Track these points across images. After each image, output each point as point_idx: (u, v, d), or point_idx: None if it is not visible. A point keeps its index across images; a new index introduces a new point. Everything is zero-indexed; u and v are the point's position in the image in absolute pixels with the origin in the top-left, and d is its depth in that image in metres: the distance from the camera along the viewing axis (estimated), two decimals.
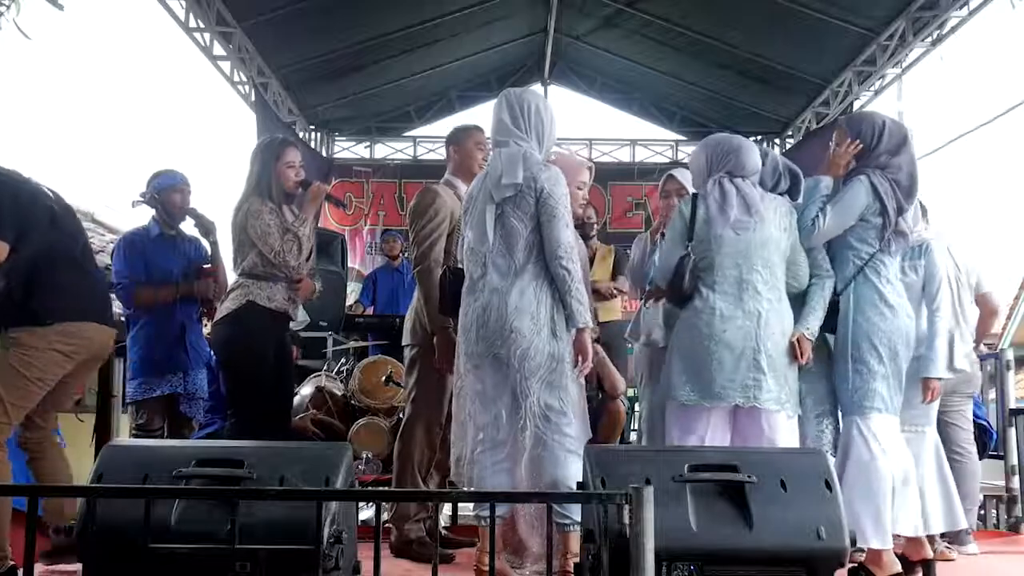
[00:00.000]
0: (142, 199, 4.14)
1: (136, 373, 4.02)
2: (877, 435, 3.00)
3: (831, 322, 3.12)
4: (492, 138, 3.11)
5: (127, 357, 4.12)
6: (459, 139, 3.83)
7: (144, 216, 4.22)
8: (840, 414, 3.15)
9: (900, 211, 3.09)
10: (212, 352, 4.07)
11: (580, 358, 2.90)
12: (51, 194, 3.23)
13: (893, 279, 3.12)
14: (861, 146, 3.15)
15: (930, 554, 3.17)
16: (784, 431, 2.93)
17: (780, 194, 3.17)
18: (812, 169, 3.32)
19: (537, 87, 10.52)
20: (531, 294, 2.89)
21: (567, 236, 2.90)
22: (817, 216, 3.09)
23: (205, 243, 4.20)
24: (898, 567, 3.01)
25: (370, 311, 7.22)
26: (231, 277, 3.85)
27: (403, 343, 3.77)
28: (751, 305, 2.94)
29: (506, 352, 2.87)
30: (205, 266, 4.21)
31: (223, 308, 3.64)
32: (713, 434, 2.93)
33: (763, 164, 3.16)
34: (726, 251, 2.96)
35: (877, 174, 3.11)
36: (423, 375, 3.62)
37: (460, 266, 3.17)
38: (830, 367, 3.14)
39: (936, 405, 3.54)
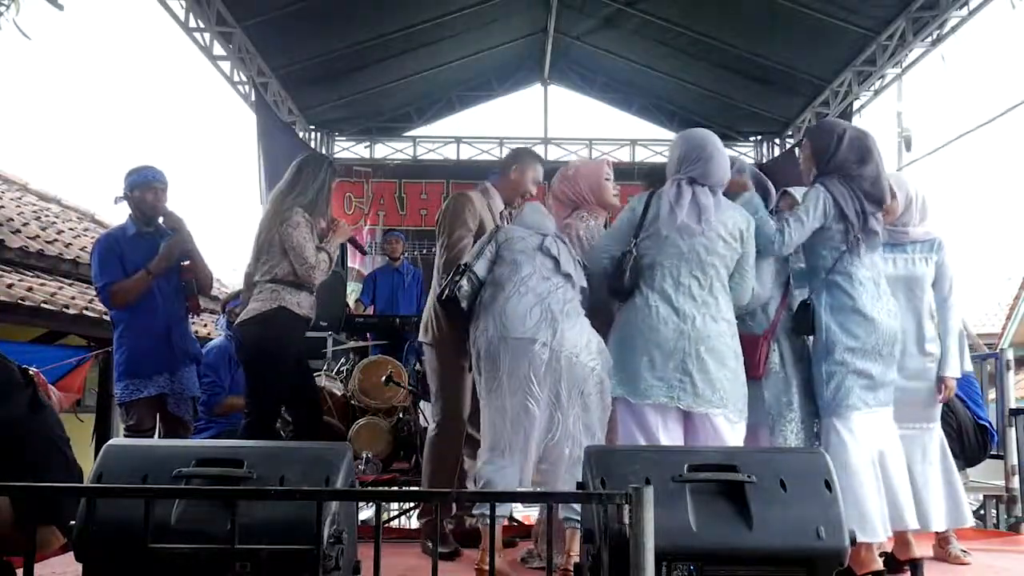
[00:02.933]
0: (123, 196, 4.08)
1: (122, 375, 3.97)
2: (855, 433, 3.05)
3: (805, 326, 3.16)
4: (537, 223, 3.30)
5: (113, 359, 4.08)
6: (521, 166, 3.87)
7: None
8: (820, 415, 3.17)
9: (863, 216, 3.13)
10: (235, 351, 4.05)
11: None
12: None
13: (867, 280, 3.13)
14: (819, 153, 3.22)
15: (917, 554, 3.17)
16: (728, 435, 2.95)
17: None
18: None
19: (537, 87, 10.54)
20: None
21: None
22: (781, 228, 3.14)
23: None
24: (878, 564, 3.02)
25: (370, 311, 7.22)
26: (223, 275, 3.85)
27: (419, 339, 3.82)
28: (686, 308, 2.97)
29: (586, 355, 2.99)
30: (184, 263, 4.16)
31: (251, 308, 3.64)
32: (667, 434, 2.94)
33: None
34: (668, 252, 3.00)
35: (835, 181, 3.16)
36: (445, 373, 3.67)
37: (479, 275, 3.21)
38: (795, 367, 3.19)
39: (940, 403, 3.55)
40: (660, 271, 3.01)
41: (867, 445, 3.06)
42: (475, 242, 3.53)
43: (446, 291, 3.17)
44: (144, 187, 4.05)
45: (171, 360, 4.02)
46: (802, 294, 3.44)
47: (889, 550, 3.24)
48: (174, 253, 4.06)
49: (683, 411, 2.96)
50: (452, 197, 3.87)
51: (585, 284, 3.18)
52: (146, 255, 4.03)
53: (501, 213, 3.83)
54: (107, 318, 7.17)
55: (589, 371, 2.99)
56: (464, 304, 3.14)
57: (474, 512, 3.15)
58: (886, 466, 3.11)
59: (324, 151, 10.29)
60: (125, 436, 4.01)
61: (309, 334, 5.51)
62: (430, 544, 3.66)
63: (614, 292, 3.08)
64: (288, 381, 3.67)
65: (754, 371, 3.14)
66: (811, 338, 3.22)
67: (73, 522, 2.01)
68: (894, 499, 3.09)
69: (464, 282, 3.15)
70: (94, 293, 7.79)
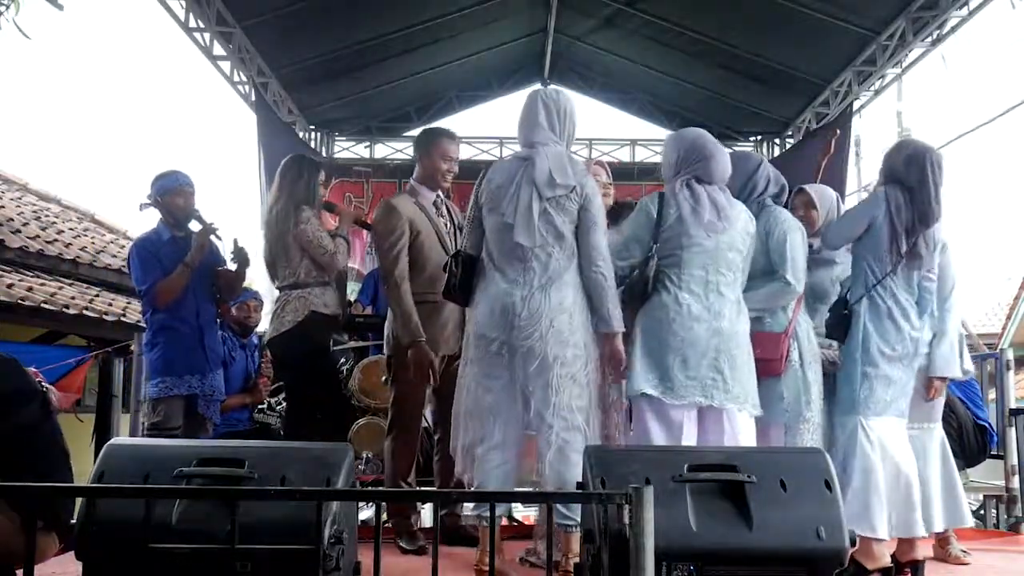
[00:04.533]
0: (149, 202, 4.13)
1: (155, 373, 4.06)
2: (876, 433, 3.15)
3: (840, 331, 3.27)
4: (525, 134, 3.14)
5: (139, 358, 4.14)
6: (424, 149, 3.78)
7: (151, 218, 4.23)
8: (843, 413, 3.25)
9: (910, 232, 3.20)
10: (271, 360, 4.25)
11: (615, 362, 3.02)
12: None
13: (902, 298, 3.25)
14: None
15: (920, 556, 3.20)
16: (746, 430, 2.97)
17: (769, 198, 3.32)
18: (809, 169, 3.41)
19: (537, 87, 10.52)
20: (571, 296, 2.98)
21: (605, 244, 3.02)
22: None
23: (216, 242, 4.23)
24: (887, 560, 3.07)
25: (369, 310, 7.21)
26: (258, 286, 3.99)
27: (384, 352, 3.89)
28: (716, 305, 2.98)
29: (541, 346, 2.92)
30: (219, 267, 4.25)
31: (283, 321, 3.80)
32: (687, 430, 2.95)
33: (756, 173, 3.32)
34: (696, 251, 3.00)
35: (897, 190, 3.27)
36: (398, 386, 3.75)
37: (470, 253, 3.16)
38: (812, 366, 3.24)
39: (941, 402, 3.57)
40: (688, 270, 2.99)
41: (884, 447, 3.15)
42: (406, 246, 3.58)
43: (447, 286, 3.18)
44: (174, 192, 4.12)
45: (203, 362, 4.11)
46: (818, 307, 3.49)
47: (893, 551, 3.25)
48: (204, 240, 4.14)
49: (700, 406, 2.97)
50: (376, 209, 3.92)
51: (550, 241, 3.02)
52: (181, 258, 4.11)
53: (435, 201, 3.77)
54: (107, 318, 7.21)
55: (558, 347, 2.93)
56: (458, 286, 3.12)
57: (473, 512, 3.14)
58: (900, 474, 3.17)
59: (324, 151, 10.29)
60: (146, 433, 4.08)
61: None
62: (401, 543, 3.71)
63: (632, 296, 3.06)
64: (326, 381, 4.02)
65: (775, 368, 3.17)
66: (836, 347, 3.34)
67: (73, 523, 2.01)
68: (906, 507, 3.15)
69: (456, 269, 3.13)
70: (93, 293, 7.83)
